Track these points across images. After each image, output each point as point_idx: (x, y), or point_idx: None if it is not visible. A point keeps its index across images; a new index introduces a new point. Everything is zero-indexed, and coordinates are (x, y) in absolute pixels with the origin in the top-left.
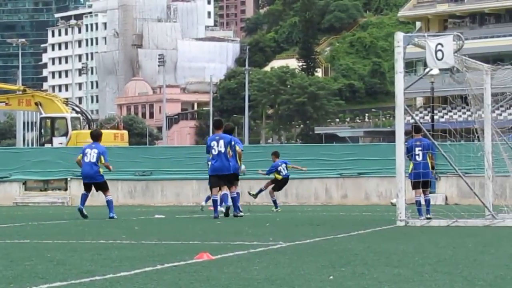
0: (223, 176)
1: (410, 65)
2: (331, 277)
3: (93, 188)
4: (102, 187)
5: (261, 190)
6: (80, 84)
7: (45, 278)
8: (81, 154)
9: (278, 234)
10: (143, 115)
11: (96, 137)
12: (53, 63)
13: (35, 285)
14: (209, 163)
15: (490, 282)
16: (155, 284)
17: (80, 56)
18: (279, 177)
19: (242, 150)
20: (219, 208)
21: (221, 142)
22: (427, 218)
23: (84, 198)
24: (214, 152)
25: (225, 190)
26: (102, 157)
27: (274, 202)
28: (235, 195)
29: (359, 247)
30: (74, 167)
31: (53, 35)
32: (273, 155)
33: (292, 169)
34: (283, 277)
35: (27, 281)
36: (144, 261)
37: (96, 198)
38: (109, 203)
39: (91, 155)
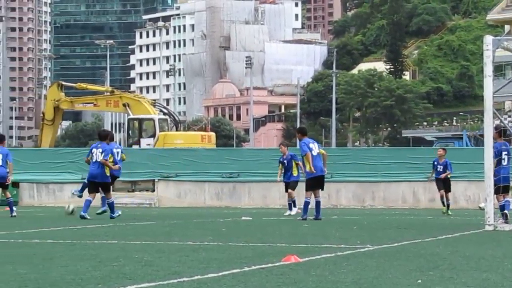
0: (322, 178)
1: (499, 69)
2: (419, 281)
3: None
4: (106, 188)
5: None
6: (167, 86)
7: (133, 279)
8: (90, 155)
9: (366, 237)
10: (230, 117)
11: (103, 137)
12: (141, 65)
13: (123, 285)
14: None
15: None
16: (243, 286)
17: (167, 58)
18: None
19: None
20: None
21: (316, 144)
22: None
23: (88, 204)
24: (314, 153)
25: (317, 194)
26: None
27: (448, 205)
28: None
29: (447, 251)
30: (161, 169)
31: (141, 37)
32: (444, 151)
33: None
34: (370, 280)
35: (115, 282)
36: (232, 263)
37: (184, 199)
38: (111, 205)
39: (97, 155)
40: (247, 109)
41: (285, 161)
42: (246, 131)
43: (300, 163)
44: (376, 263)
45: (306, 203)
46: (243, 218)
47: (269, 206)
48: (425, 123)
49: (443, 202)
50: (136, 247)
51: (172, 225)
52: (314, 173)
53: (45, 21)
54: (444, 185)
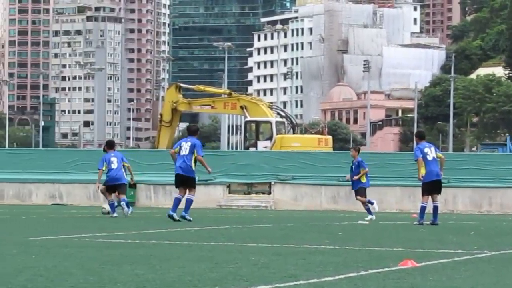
0: (438, 182)
1: None
2: None
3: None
4: (191, 183)
5: None
6: (284, 89)
7: (250, 281)
8: (177, 148)
9: (483, 243)
10: (347, 120)
11: (193, 132)
12: (258, 67)
13: (240, 287)
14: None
15: None
16: None
17: (285, 61)
18: None
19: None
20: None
21: (432, 148)
22: None
23: (177, 202)
24: (429, 158)
25: (435, 199)
26: (195, 150)
27: None
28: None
29: None
30: (278, 171)
31: (258, 39)
32: None
33: None
34: (488, 286)
35: (231, 284)
36: (348, 267)
37: (300, 202)
38: (188, 202)
39: (185, 149)
40: (364, 113)
41: (353, 166)
42: (363, 135)
43: (367, 169)
44: (494, 269)
45: (423, 208)
46: (360, 222)
47: (385, 210)
48: None
49: None
50: (252, 249)
51: (289, 228)
52: (427, 178)
53: (164, 23)
54: None
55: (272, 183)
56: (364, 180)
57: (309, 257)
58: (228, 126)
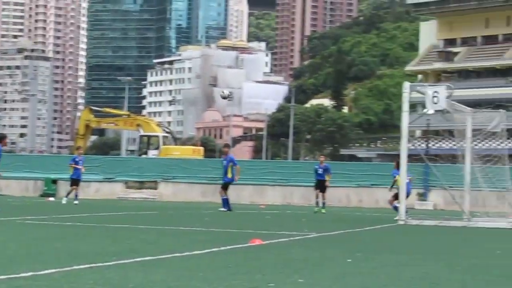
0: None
1: (413, 106)
2: (349, 260)
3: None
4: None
5: None
6: (169, 112)
7: (140, 254)
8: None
9: (312, 227)
10: (215, 136)
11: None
12: (150, 96)
13: (133, 259)
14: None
15: (466, 267)
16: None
17: (170, 91)
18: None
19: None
20: None
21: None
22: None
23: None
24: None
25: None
26: None
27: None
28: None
29: (367, 239)
30: (163, 172)
31: (151, 75)
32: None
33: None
34: (312, 257)
35: (126, 256)
36: (213, 243)
37: (179, 195)
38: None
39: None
40: (227, 131)
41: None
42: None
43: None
44: (318, 246)
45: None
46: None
47: (260, 202)
48: (357, 145)
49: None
50: (143, 230)
51: (168, 214)
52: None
53: (81, 62)
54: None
55: (158, 181)
56: (229, 176)
57: (182, 236)
58: (127, 139)
